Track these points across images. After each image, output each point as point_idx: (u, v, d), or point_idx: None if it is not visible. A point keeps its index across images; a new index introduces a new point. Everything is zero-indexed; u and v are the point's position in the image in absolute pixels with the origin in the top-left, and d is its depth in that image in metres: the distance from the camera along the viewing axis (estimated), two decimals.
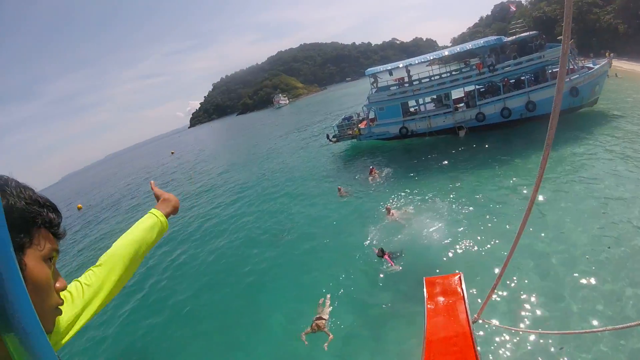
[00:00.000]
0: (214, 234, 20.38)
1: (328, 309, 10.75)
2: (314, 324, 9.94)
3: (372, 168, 22.38)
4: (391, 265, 12.10)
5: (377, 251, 12.62)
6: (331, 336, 9.62)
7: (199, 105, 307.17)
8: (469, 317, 8.14)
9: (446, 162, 21.46)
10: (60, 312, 1.05)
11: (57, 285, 1.02)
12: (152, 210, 1.74)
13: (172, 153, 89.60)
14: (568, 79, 22.87)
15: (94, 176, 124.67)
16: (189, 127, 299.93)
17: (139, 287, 16.52)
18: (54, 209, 1.04)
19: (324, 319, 10.18)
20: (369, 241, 14.18)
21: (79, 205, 50.45)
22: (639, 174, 14.33)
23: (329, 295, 11.37)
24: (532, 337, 8.37)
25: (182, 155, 74.46)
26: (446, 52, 30.35)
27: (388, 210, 15.92)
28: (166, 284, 16.44)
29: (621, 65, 38.55)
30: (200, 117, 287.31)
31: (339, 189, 20.49)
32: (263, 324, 11.35)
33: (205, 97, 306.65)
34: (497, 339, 8.57)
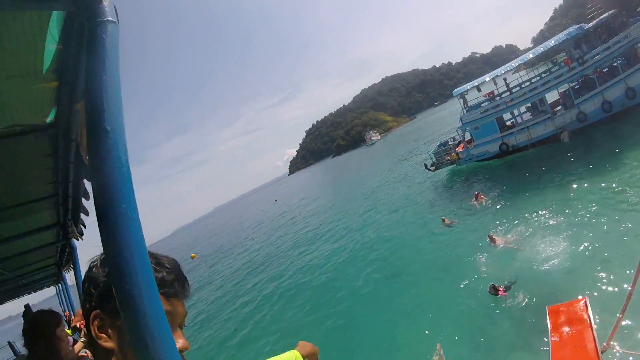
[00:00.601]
0: (317, 274, 21.08)
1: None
2: None
3: (478, 193, 21.04)
4: (507, 298, 11.32)
5: (489, 289, 11.72)
6: None
7: (296, 153, 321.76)
8: (598, 347, 7.57)
9: (553, 174, 19.75)
10: None
11: (178, 345, 1.02)
12: (294, 350, 1.75)
13: (275, 200, 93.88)
14: None
15: (204, 228, 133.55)
16: (288, 175, 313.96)
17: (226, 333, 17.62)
18: (166, 269, 1.06)
19: None
20: (478, 275, 13.43)
21: (193, 255, 54.44)
22: None
23: (439, 345, 10.48)
24: None
25: (285, 202, 77.52)
26: (530, 55, 28.60)
27: (491, 238, 14.99)
28: (261, 328, 17.46)
29: None
30: (298, 164, 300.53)
31: (443, 220, 19.66)
32: None
33: (300, 144, 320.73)
34: None
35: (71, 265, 6.66)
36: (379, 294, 15.73)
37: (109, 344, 0.98)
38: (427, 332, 11.59)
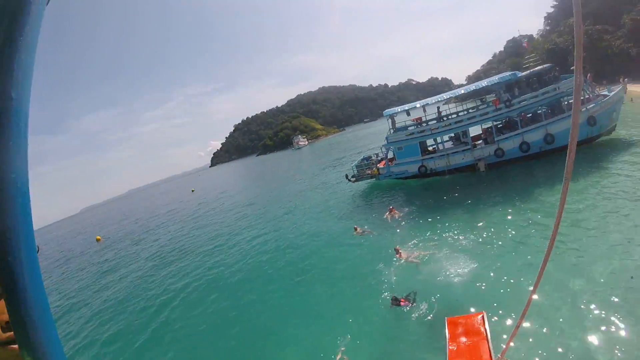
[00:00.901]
0: (227, 273, 20.49)
1: None
2: None
3: (392, 207, 22.23)
4: (409, 306, 11.69)
5: (391, 301, 12.04)
6: None
7: (220, 146, 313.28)
8: (492, 357, 8.04)
9: (466, 199, 21.21)
10: None
11: None
12: None
13: (193, 191, 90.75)
14: (584, 109, 23.02)
15: (115, 210, 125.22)
16: (209, 167, 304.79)
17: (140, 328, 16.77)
18: None
19: None
20: (383, 285, 13.88)
21: (98, 237, 50.90)
22: None
23: (342, 349, 10.68)
24: None
25: (202, 194, 75.14)
26: (462, 91, 30.40)
27: (397, 251, 15.69)
28: (175, 319, 16.67)
29: (636, 89, 37.80)
30: (221, 157, 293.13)
31: (355, 228, 20.46)
32: None
33: (226, 137, 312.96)
34: None
35: None
36: (286, 298, 15.58)
37: None
38: (330, 339, 11.61)
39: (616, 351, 8.25)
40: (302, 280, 16.63)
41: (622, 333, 8.62)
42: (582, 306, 9.86)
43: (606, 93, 25.44)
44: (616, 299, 9.65)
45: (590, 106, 23.34)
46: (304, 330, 12.73)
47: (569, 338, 8.94)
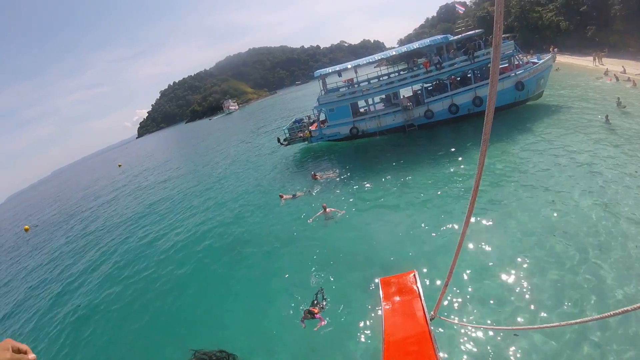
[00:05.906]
0: (147, 252, 19.81)
1: None
2: None
3: (314, 173, 22.45)
4: (321, 323, 10.35)
5: (304, 315, 10.56)
6: None
7: (147, 114, 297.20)
8: (426, 315, 8.07)
9: (395, 159, 21.60)
10: None
11: None
12: None
13: (120, 166, 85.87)
14: (514, 74, 24.09)
15: (42, 195, 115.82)
16: (137, 137, 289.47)
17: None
18: None
19: None
20: (312, 253, 13.81)
21: (26, 227, 47.06)
22: (579, 163, 15.04)
23: None
24: (487, 332, 8.41)
25: (130, 168, 71.20)
26: (394, 52, 30.58)
27: (324, 208, 15.98)
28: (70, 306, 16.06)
29: (563, 59, 40.49)
30: (148, 126, 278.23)
31: (281, 196, 20.29)
32: None
33: (152, 105, 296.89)
34: (455, 335, 8.58)
35: None
36: (212, 274, 15.04)
37: None
38: (255, 316, 11.36)
39: (534, 299, 8.95)
40: (229, 256, 16.00)
41: (539, 283, 9.34)
42: (504, 260, 10.50)
43: (535, 60, 26.37)
44: (540, 259, 10.19)
45: (519, 72, 24.40)
46: (230, 306, 12.40)
47: (495, 292, 9.49)
